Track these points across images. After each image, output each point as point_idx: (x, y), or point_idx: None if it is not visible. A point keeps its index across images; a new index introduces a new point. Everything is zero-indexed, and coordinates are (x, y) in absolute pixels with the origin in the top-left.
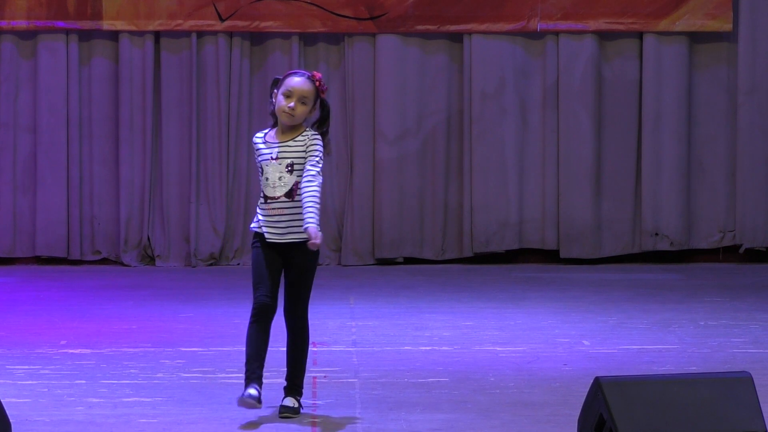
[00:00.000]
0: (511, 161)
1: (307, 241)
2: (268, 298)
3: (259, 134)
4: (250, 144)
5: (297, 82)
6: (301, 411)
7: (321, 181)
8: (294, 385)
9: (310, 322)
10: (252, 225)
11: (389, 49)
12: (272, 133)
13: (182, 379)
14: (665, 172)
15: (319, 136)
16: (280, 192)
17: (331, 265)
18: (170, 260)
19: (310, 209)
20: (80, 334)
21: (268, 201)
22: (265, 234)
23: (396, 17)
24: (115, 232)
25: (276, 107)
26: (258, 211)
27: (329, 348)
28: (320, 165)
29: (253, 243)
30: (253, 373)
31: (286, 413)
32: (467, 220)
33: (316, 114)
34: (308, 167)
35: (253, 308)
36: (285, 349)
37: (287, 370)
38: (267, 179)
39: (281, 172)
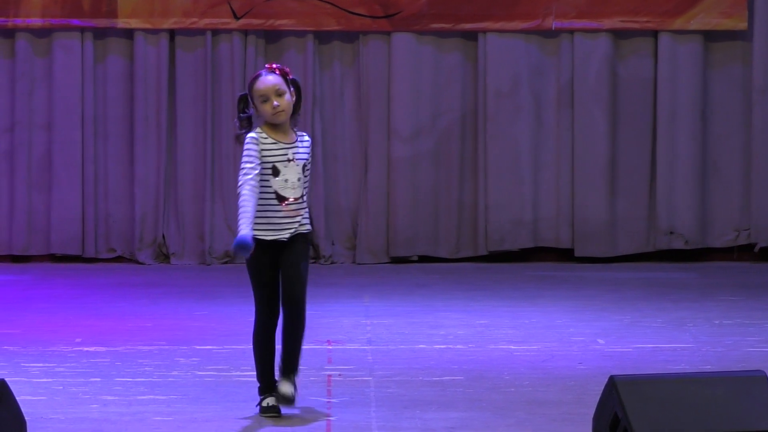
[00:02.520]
0: (525, 159)
1: (307, 235)
2: (271, 311)
3: (254, 134)
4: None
5: (262, 81)
6: (315, 409)
7: None
8: (290, 365)
9: (325, 320)
10: (255, 232)
11: (404, 47)
12: (271, 133)
13: (197, 377)
14: (680, 171)
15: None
16: (299, 193)
17: (346, 264)
18: (185, 258)
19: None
20: (95, 332)
21: (286, 203)
22: (278, 236)
23: (410, 15)
24: (129, 230)
25: (265, 115)
26: (266, 215)
27: (344, 346)
28: None
29: (255, 249)
30: (269, 383)
31: (284, 402)
32: (482, 219)
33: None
34: (309, 175)
35: (259, 323)
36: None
37: (283, 352)
38: (286, 180)
39: (299, 173)
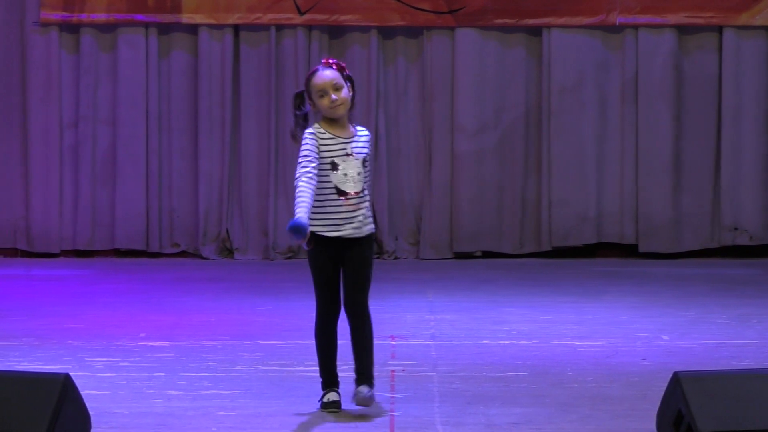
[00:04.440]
0: (589, 155)
1: (371, 236)
2: (332, 307)
3: (312, 129)
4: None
5: (320, 77)
6: (379, 404)
7: None
8: (366, 376)
9: (389, 315)
10: (316, 228)
11: (468, 42)
12: (329, 128)
13: (260, 372)
14: (744, 167)
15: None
16: (359, 187)
17: (409, 259)
18: (248, 253)
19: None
20: (159, 327)
21: (348, 197)
22: (341, 233)
23: (474, 11)
24: (193, 225)
25: (323, 110)
26: (326, 210)
27: (408, 341)
28: None
29: (315, 246)
30: (331, 378)
31: (362, 400)
32: (545, 214)
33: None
34: (370, 170)
35: (320, 318)
36: (350, 342)
37: (356, 362)
38: (345, 175)
39: (359, 167)
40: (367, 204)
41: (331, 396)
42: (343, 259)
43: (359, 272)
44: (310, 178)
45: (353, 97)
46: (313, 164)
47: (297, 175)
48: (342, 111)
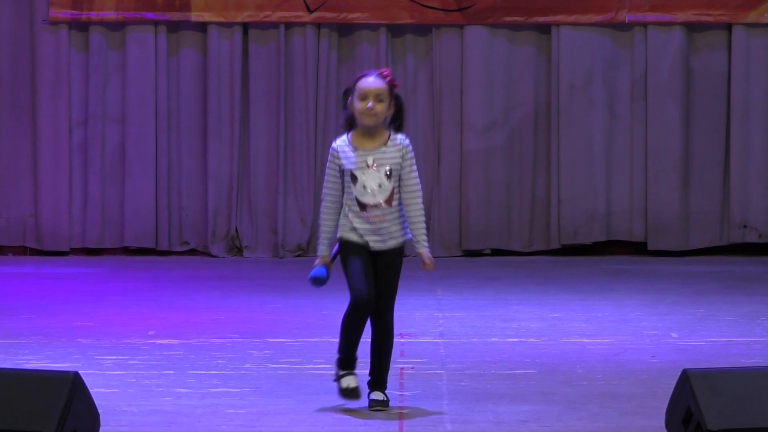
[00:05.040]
0: (598, 153)
1: (401, 248)
2: (370, 294)
3: (338, 142)
4: (326, 150)
5: (370, 82)
6: (388, 403)
7: (421, 192)
8: (380, 382)
9: (398, 313)
10: (344, 234)
11: (477, 40)
12: (354, 139)
13: (270, 369)
14: (753, 164)
15: (409, 141)
16: (380, 198)
17: (419, 257)
18: (258, 251)
19: (423, 229)
20: (168, 325)
21: (368, 209)
22: (370, 243)
23: (484, 9)
24: (203, 223)
25: (356, 111)
26: (352, 219)
27: (416, 339)
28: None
29: (345, 250)
30: (350, 359)
31: (377, 406)
32: (554, 212)
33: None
34: (411, 179)
35: (355, 302)
36: (369, 344)
37: (372, 367)
38: (364, 187)
39: (380, 179)
40: (398, 217)
41: (350, 382)
42: (375, 263)
43: (385, 282)
44: (330, 203)
45: (396, 116)
46: (335, 186)
47: (322, 196)
48: (372, 121)
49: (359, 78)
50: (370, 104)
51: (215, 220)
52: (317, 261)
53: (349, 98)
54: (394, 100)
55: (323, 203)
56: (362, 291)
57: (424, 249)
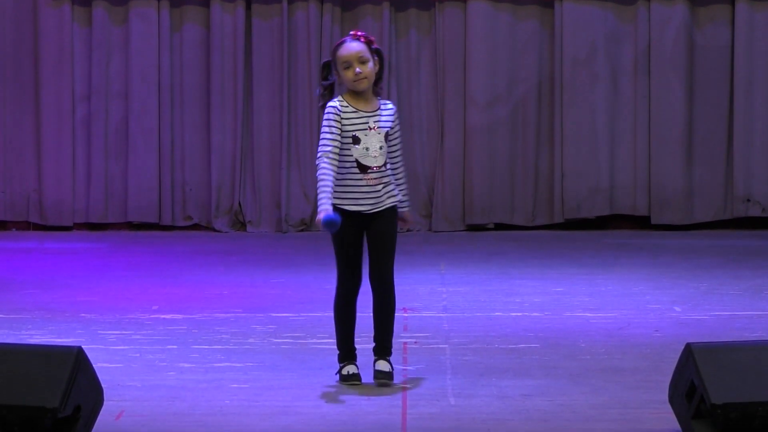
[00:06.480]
0: (602, 127)
1: (394, 208)
2: (354, 279)
3: (335, 103)
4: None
5: (346, 48)
6: (393, 375)
7: None
8: (384, 347)
9: (401, 288)
10: (337, 201)
11: (480, 15)
12: (351, 101)
13: (273, 344)
14: (757, 138)
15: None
16: (381, 161)
17: (422, 231)
18: (261, 226)
19: (406, 190)
20: (172, 300)
21: (368, 171)
22: (360, 208)
23: None
24: (206, 197)
25: (346, 82)
26: (347, 185)
27: (420, 314)
28: None
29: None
30: (349, 351)
31: (383, 378)
32: (558, 186)
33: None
34: (399, 142)
35: (341, 291)
36: (372, 312)
37: (376, 333)
38: (367, 149)
39: (381, 141)
40: (390, 178)
41: (351, 369)
42: (367, 233)
43: (382, 245)
44: (331, 159)
45: (380, 72)
46: (335, 143)
47: (318, 155)
48: (365, 85)
49: (336, 48)
50: (358, 69)
51: (219, 195)
52: (321, 214)
53: (334, 70)
54: (376, 55)
55: (325, 161)
56: (350, 279)
57: (407, 209)
